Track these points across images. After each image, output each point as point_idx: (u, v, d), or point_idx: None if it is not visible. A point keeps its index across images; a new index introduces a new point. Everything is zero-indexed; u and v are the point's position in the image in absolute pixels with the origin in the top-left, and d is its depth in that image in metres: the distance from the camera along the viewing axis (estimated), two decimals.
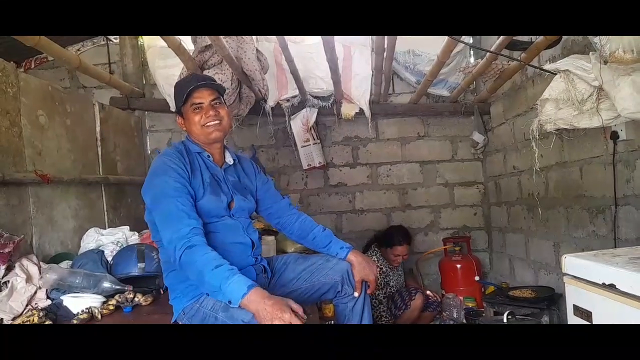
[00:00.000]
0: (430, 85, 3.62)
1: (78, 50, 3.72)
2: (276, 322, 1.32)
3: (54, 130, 2.59)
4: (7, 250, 1.77)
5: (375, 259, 3.42)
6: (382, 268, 3.41)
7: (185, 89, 1.68)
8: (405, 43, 3.63)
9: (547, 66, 2.15)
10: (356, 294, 1.75)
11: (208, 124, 1.69)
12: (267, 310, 1.33)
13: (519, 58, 2.67)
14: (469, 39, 3.85)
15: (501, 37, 2.53)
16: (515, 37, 2.53)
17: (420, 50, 3.85)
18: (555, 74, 2.04)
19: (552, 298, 2.82)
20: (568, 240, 2.82)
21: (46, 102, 2.56)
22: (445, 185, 4.15)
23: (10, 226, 2.13)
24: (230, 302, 1.39)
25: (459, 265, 3.75)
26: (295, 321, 1.33)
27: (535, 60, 2.78)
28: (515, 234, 3.60)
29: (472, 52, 3.87)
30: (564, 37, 2.53)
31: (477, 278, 3.66)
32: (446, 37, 2.60)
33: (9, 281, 1.77)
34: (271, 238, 2.90)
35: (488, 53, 2.79)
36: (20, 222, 2.27)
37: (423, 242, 4.11)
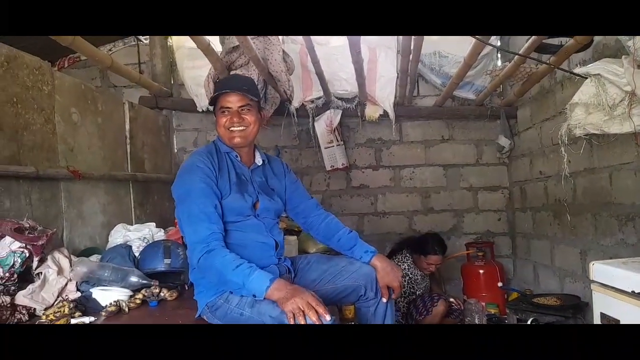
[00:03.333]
0: (456, 88, 3.60)
1: (109, 50, 3.83)
2: (297, 301, 1.36)
3: (85, 128, 2.67)
4: (40, 242, 1.84)
5: (407, 266, 3.31)
6: (410, 275, 3.30)
7: (217, 91, 1.73)
8: (431, 44, 3.61)
9: (578, 70, 2.11)
10: (384, 300, 1.76)
11: (232, 128, 1.72)
12: (289, 293, 1.39)
13: (548, 61, 2.63)
14: (496, 41, 3.82)
15: (530, 39, 2.50)
16: (544, 40, 2.49)
17: (447, 52, 3.82)
18: (586, 78, 2.01)
19: (578, 306, 2.77)
20: (595, 248, 2.76)
21: (79, 100, 2.64)
22: (469, 190, 4.11)
23: (43, 219, 2.21)
24: (255, 295, 1.44)
25: (481, 271, 3.71)
26: (314, 304, 1.36)
27: (565, 63, 2.73)
28: (541, 240, 3.54)
29: (499, 54, 3.82)
30: (595, 41, 2.48)
31: (500, 284, 3.61)
32: (473, 40, 2.58)
33: (41, 272, 1.84)
34: (293, 238, 2.93)
35: (516, 56, 2.76)
36: (52, 216, 2.35)
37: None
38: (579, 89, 2.00)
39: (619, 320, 1.36)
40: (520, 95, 3.51)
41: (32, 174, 2.19)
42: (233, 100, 1.71)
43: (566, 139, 2.12)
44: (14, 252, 1.75)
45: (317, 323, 1.33)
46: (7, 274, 1.72)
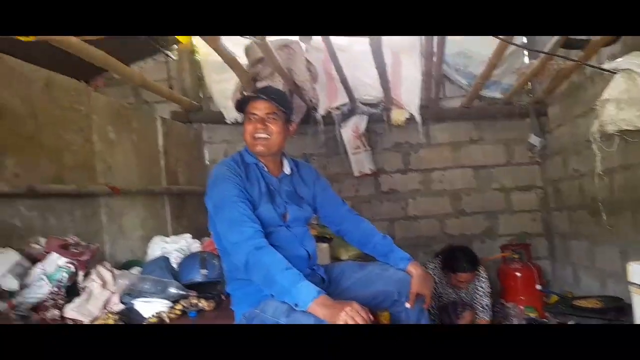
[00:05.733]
0: (482, 88, 3.57)
1: (141, 67, 3.98)
2: (348, 311, 1.35)
3: (121, 146, 2.80)
4: (84, 258, 1.94)
5: (436, 279, 3.16)
6: (440, 288, 3.19)
7: (246, 97, 1.76)
8: (455, 45, 3.60)
9: (606, 65, 2.09)
10: (408, 305, 1.73)
11: (256, 135, 1.72)
12: (336, 308, 1.37)
13: (576, 57, 2.60)
14: (521, 39, 3.77)
15: (555, 36, 2.48)
16: (571, 36, 2.46)
17: (471, 51, 3.80)
18: (616, 73, 1.98)
19: (621, 308, 2.70)
20: (636, 248, 2.69)
21: (114, 119, 2.77)
22: (501, 190, 4.06)
23: (85, 235, 2.32)
24: (297, 304, 1.43)
25: (518, 274, 3.64)
26: (361, 319, 1.36)
27: (595, 58, 2.69)
28: (579, 240, 3.46)
29: (526, 51, 3.78)
30: None
31: (538, 287, 3.54)
32: (497, 40, 2.57)
33: (87, 286, 1.94)
34: (325, 245, 2.97)
35: (543, 53, 2.73)
36: (94, 231, 2.48)
37: (480, 250, 4.00)
38: (609, 85, 1.98)
39: None
40: (550, 92, 3.47)
41: (74, 192, 2.32)
42: (260, 107, 1.72)
43: (599, 136, 2.08)
44: (61, 267, 1.86)
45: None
46: (55, 289, 1.82)
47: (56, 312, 1.79)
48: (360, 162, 3.96)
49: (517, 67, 3.69)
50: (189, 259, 2.32)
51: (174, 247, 2.59)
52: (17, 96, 2.08)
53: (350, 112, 3.89)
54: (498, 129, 4.03)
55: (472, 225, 4.07)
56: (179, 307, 2.00)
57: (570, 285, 3.67)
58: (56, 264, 1.86)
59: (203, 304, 2.05)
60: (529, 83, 3.73)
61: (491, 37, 2.72)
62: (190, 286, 2.13)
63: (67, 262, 1.87)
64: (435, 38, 2.72)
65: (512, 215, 4.06)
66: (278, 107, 1.74)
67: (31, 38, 2.00)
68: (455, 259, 3.10)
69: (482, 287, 3.23)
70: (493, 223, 4.08)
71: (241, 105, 1.77)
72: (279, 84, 3.15)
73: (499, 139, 4.04)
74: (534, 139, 3.81)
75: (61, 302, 1.83)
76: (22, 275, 1.81)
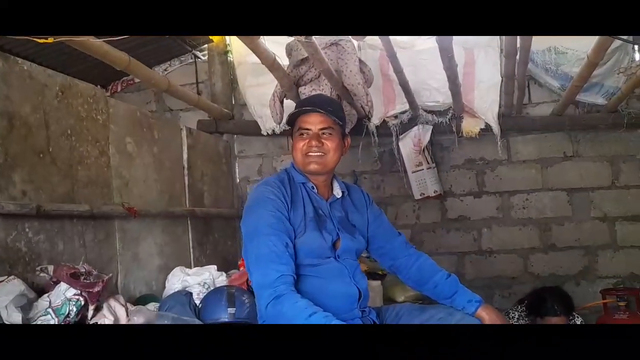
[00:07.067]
0: (579, 92, 3.49)
1: (165, 70, 4.17)
2: None
3: (141, 159, 2.93)
4: (96, 289, 2.03)
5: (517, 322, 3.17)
6: None
7: (296, 109, 1.83)
8: (544, 39, 3.55)
9: None
10: None
11: (309, 153, 1.78)
12: None
13: None
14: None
15: None
16: None
17: (565, 47, 3.72)
18: None
19: None
20: None
21: (134, 129, 2.91)
22: (604, 220, 3.91)
23: (97, 262, 2.43)
24: None
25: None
26: None
27: None
28: None
29: (636, 47, 3.66)
30: None
31: None
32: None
33: (97, 323, 2.02)
34: (377, 283, 2.96)
35: None
36: (106, 258, 2.59)
37: (574, 294, 3.84)
38: None
39: None
40: None
41: (87, 212, 2.44)
42: (314, 122, 1.78)
43: None
44: (70, 300, 1.95)
45: None
46: (62, 324, 1.91)
47: None
48: (423, 181, 3.93)
49: (625, 65, 3.57)
50: (214, 294, 2.38)
51: (196, 280, 2.66)
52: (28, 103, 2.23)
53: (410, 121, 3.89)
54: (600, 142, 3.91)
55: (564, 263, 3.95)
56: None
57: None
58: (64, 295, 1.96)
59: None
60: None
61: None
62: None
63: (76, 294, 1.96)
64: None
65: (617, 252, 3.90)
66: (335, 120, 1.79)
67: (49, 40, 2.15)
68: (543, 300, 3.12)
69: None
70: (592, 261, 3.92)
71: (291, 118, 1.84)
72: (326, 88, 3.20)
73: (601, 154, 3.92)
74: None
75: None
76: (26, 307, 1.92)
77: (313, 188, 1.84)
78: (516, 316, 3.22)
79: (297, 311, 1.52)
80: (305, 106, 1.82)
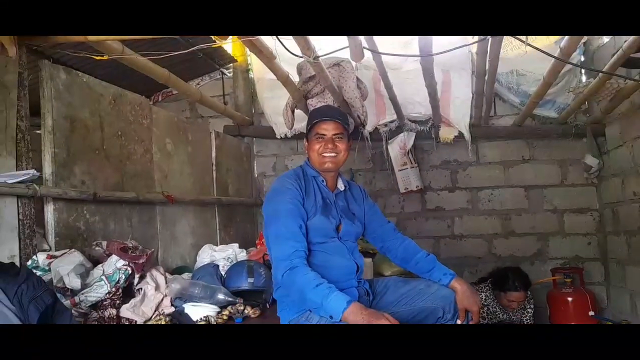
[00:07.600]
0: (536, 107, 3.47)
1: (198, 84, 4.17)
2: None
3: (178, 156, 2.93)
4: (141, 261, 2.04)
5: (484, 296, 3.15)
6: (488, 307, 3.15)
7: (313, 119, 1.84)
8: (508, 63, 3.53)
9: None
10: (459, 321, 1.73)
11: (325, 154, 1.80)
12: (364, 319, 1.42)
13: (637, 77, 2.48)
14: (579, 57, 3.64)
15: (616, 54, 2.38)
16: (632, 55, 2.36)
17: (525, 69, 3.71)
18: None
19: None
20: None
21: (172, 132, 2.91)
22: (554, 212, 3.90)
23: (142, 240, 2.44)
24: (331, 317, 1.47)
25: (570, 299, 3.47)
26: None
27: None
28: (638, 267, 3.26)
29: (583, 70, 3.64)
30: None
31: (591, 313, 3.36)
32: (552, 59, 2.50)
33: (141, 288, 2.03)
34: (368, 260, 2.95)
35: (601, 73, 2.63)
36: (149, 236, 2.60)
37: (529, 272, 3.80)
38: None
39: None
40: (608, 112, 3.31)
41: (133, 199, 2.45)
42: (329, 128, 1.80)
43: None
44: (119, 269, 1.96)
45: None
46: (113, 289, 1.92)
47: (113, 311, 1.88)
48: (407, 178, 3.93)
49: (574, 86, 3.55)
50: (237, 267, 2.38)
51: (221, 255, 2.67)
52: (87, 109, 2.24)
53: (397, 128, 3.89)
54: (552, 148, 3.89)
55: (521, 246, 3.93)
56: (226, 312, 2.05)
57: (627, 313, 3.45)
58: (115, 265, 1.97)
59: (249, 310, 2.10)
60: (586, 102, 3.59)
61: (546, 57, 2.64)
62: (237, 293, 2.19)
63: (125, 265, 1.97)
64: (488, 58, 2.67)
65: (564, 238, 3.88)
66: (345, 127, 1.83)
67: (105, 57, 2.15)
68: (506, 277, 3.12)
69: (532, 309, 3.21)
70: (544, 245, 3.91)
71: (310, 125, 1.86)
72: (329, 100, 3.20)
73: (553, 158, 3.90)
74: (590, 160, 3.64)
75: (118, 302, 1.92)
76: (84, 275, 1.93)
77: (323, 181, 1.87)
78: (481, 287, 3.22)
79: (307, 281, 1.53)
80: (322, 116, 1.83)
